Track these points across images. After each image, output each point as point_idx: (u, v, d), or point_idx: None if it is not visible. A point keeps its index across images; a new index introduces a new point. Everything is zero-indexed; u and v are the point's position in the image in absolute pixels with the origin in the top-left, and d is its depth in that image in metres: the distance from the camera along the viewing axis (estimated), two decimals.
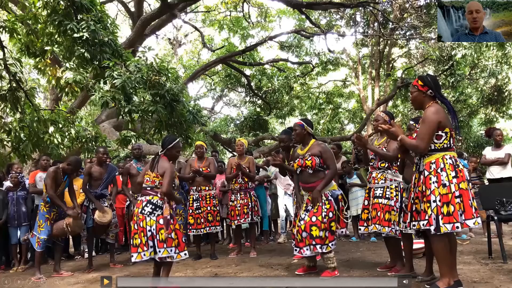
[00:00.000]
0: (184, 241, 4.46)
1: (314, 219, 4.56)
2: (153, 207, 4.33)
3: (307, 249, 4.59)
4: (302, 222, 4.65)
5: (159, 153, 4.56)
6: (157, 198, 4.37)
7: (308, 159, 4.69)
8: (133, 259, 4.35)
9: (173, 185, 4.50)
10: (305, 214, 4.68)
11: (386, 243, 4.84)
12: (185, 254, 4.41)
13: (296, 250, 4.76)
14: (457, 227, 3.43)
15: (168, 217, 4.29)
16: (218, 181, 7.88)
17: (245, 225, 6.83)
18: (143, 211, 4.33)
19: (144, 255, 4.29)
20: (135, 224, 4.39)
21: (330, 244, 4.55)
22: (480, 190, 6.04)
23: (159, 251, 4.25)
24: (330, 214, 4.58)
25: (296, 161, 4.84)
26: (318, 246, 4.50)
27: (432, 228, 3.48)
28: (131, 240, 4.43)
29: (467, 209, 3.46)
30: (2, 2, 7.07)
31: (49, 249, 6.43)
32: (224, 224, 8.25)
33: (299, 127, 4.87)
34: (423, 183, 3.62)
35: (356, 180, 7.72)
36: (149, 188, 4.43)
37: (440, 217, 3.45)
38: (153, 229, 4.28)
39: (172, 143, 4.52)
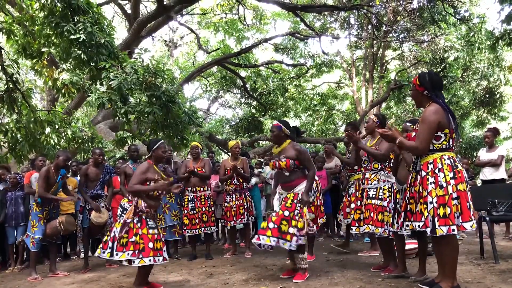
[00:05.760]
0: (156, 247, 4.31)
1: (286, 213, 4.51)
2: (122, 209, 4.41)
3: (270, 240, 4.47)
4: (274, 214, 4.64)
5: (145, 158, 4.62)
6: (126, 201, 4.43)
7: (282, 161, 4.65)
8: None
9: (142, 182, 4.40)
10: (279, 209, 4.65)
11: (379, 244, 4.89)
12: (149, 260, 4.24)
13: (256, 236, 4.66)
14: (453, 230, 3.31)
15: (128, 220, 4.27)
16: (213, 181, 7.93)
17: (239, 226, 6.88)
18: (118, 213, 4.46)
19: (103, 252, 4.31)
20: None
21: (292, 242, 4.43)
22: (472, 191, 6.09)
23: (116, 254, 4.23)
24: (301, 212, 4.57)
25: (271, 161, 4.82)
26: (281, 241, 4.43)
27: (428, 230, 3.40)
28: None
29: (464, 211, 3.35)
30: (0, 4, 7.09)
31: (45, 249, 6.45)
32: (219, 224, 8.30)
33: (276, 129, 4.83)
34: (420, 183, 3.52)
35: None
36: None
37: (436, 219, 3.34)
38: (117, 232, 4.28)
39: (156, 144, 4.56)
